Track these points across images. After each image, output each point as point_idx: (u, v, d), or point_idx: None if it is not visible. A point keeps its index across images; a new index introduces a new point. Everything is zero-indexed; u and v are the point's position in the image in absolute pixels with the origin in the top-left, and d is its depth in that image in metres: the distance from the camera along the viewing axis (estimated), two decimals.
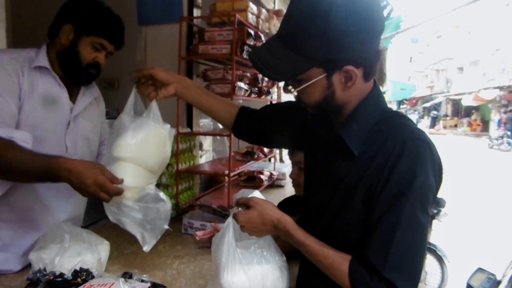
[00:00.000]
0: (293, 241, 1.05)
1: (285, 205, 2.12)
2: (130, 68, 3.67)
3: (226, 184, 2.84)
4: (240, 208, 1.13)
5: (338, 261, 0.97)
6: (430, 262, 4.31)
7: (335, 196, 1.05)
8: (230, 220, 1.12)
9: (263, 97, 2.82)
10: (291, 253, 1.26)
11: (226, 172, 2.29)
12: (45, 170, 1.26)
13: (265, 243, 1.16)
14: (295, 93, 1.03)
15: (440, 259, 4.22)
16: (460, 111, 31.06)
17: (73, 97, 1.60)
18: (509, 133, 19.60)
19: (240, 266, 1.09)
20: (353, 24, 0.90)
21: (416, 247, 0.92)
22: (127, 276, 1.20)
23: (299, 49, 0.94)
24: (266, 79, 2.87)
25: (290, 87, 1.03)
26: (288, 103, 1.44)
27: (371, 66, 1.00)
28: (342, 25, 0.89)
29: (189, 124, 2.63)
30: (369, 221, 0.96)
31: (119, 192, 1.28)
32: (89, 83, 1.64)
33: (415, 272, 0.92)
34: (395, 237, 0.90)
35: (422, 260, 0.93)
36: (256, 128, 1.45)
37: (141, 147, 1.33)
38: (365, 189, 0.98)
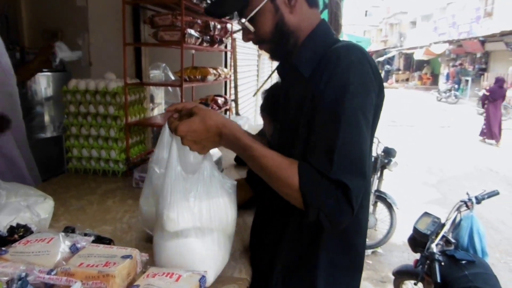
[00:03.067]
0: (240, 146, 0.98)
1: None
2: (71, 16, 3.42)
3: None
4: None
5: (287, 163, 0.94)
6: (380, 209, 4.53)
7: (288, 123, 1.07)
8: (166, 133, 1.04)
9: (215, 46, 2.70)
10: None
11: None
12: None
13: (209, 163, 1.04)
14: (251, 30, 1.07)
15: (389, 206, 4.44)
16: (412, 65, 31.93)
17: None
18: (456, 86, 20.48)
19: (185, 202, 0.99)
20: None
21: (359, 146, 0.92)
22: (69, 230, 1.13)
23: None
24: (218, 26, 2.73)
25: (244, 23, 1.07)
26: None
27: None
28: None
29: (138, 75, 2.49)
30: (312, 132, 0.97)
31: None
32: None
33: (362, 169, 0.91)
34: (337, 139, 0.89)
35: (366, 157, 0.93)
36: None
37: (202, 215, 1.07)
38: (311, 106, 0.98)
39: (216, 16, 1.13)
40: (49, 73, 3.27)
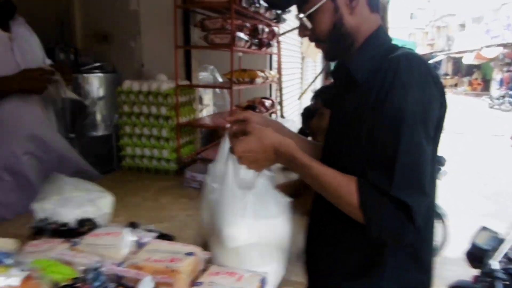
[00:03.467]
0: (297, 164, 0.97)
1: None
2: (123, 20, 3.55)
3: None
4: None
5: (346, 180, 0.93)
6: None
7: (344, 131, 1.04)
8: (226, 147, 1.02)
9: (263, 49, 2.73)
10: None
11: (227, 125, 2.23)
12: None
13: (265, 180, 1.06)
14: (308, 26, 1.05)
15: (440, 218, 4.27)
16: (461, 70, 30.71)
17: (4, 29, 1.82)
18: (510, 92, 19.38)
19: (243, 219, 1.01)
20: None
21: (419, 163, 0.89)
22: (133, 225, 1.18)
23: None
24: (266, 30, 2.75)
25: (302, 18, 1.05)
26: None
27: None
28: None
29: (188, 77, 2.55)
30: (373, 144, 0.93)
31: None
32: (10, 17, 1.84)
33: (422, 186, 0.88)
34: (397, 155, 0.87)
35: (426, 173, 0.89)
36: None
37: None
38: (371, 116, 0.95)
39: (278, 7, 1.12)
40: (101, 74, 3.40)
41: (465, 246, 2.80)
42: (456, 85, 29.94)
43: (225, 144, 1.08)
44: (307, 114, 2.21)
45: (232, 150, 0.98)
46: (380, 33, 1.06)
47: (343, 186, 0.93)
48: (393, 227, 0.88)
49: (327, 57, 1.16)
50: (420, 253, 1.03)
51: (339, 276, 1.07)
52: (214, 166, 1.11)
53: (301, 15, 1.06)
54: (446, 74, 32.23)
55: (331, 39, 1.06)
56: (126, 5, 2.87)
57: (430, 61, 31.00)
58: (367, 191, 0.90)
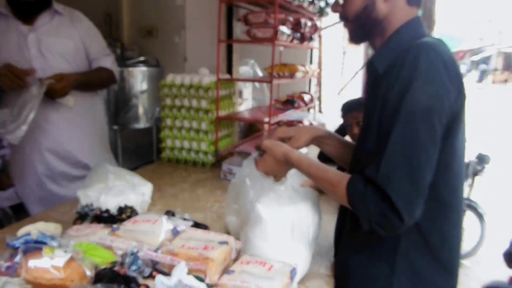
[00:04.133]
0: (301, 171, 1.08)
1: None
2: (168, 15, 3.64)
3: (265, 132, 2.82)
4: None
5: (338, 180, 0.97)
6: (470, 218, 4.21)
7: (367, 123, 1.04)
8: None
9: (305, 43, 2.71)
10: None
11: (266, 120, 2.25)
12: None
13: (291, 181, 1.17)
14: (340, 1, 1.07)
15: (480, 217, 4.11)
16: None
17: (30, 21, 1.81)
18: None
19: (272, 200, 1.11)
20: None
21: (412, 153, 0.87)
22: (170, 214, 1.22)
23: None
24: (309, 24, 2.74)
25: None
26: None
27: None
28: None
29: (229, 71, 2.58)
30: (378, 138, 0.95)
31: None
32: (33, 10, 1.81)
33: (413, 176, 0.87)
34: (388, 144, 0.88)
35: (421, 173, 0.88)
36: None
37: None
38: (380, 108, 0.95)
39: None
40: (144, 68, 3.51)
41: (504, 246, 2.68)
42: (506, 80, 28.39)
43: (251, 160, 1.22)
44: (346, 109, 2.19)
45: (256, 167, 1.14)
46: (412, 25, 1.03)
47: (335, 187, 0.97)
48: (378, 217, 0.88)
49: (351, 39, 1.14)
50: (440, 254, 1.01)
51: (354, 272, 1.07)
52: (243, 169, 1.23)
53: None
54: (496, 69, 30.65)
55: (359, 21, 1.06)
56: (173, 0, 2.94)
57: (479, 55, 29.67)
58: (354, 186, 0.92)
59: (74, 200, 1.70)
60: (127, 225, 1.07)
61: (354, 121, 1.89)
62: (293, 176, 1.16)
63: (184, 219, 1.16)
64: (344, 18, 1.10)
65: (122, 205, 1.26)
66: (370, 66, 1.08)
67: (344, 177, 0.96)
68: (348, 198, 0.93)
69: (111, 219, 1.18)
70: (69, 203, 1.65)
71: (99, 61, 2.04)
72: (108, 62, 2.06)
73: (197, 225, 1.19)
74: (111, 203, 1.36)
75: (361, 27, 1.07)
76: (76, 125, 1.95)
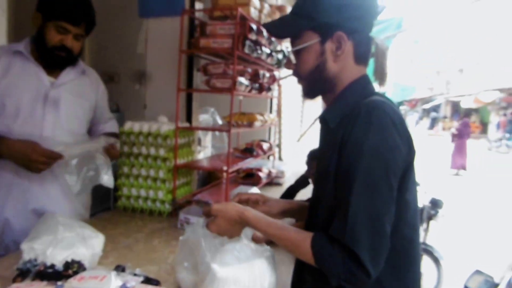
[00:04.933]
0: (259, 231, 1.10)
1: (290, 193, 2.20)
2: (130, 62, 3.67)
3: (224, 181, 2.82)
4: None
5: (301, 239, 0.99)
6: (426, 263, 4.30)
7: (321, 176, 1.09)
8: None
9: (263, 93, 2.80)
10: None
11: (225, 168, 2.27)
12: None
13: (246, 239, 1.17)
14: (293, 61, 1.15)
15: (436, 261, 4.21)
16: (459, 113, 31.04)
17: (55, 75, 1.75)
18: (507, 135, 19.62)
19: (230, 260, 1.10)
20: None
21: (375, 210, 0.91)
22: (119, 269, 1.18)
23: (301, 10, 1.10)
24: (267, 75, 2.84)
25: (290, 52, 1.18)
26: None
27: (361, 45, 1.10)
28: None
29: (188, 119, 2.60)
30: (335, 194, 0.99)
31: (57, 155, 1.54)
32: (62, 65, 1.74)
33: (377, 231, 0.90)
34: (350, 204, 0.91)
35: (384, 228, 0.92)
36: None
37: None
38: (336, 163, 1.00)
39: (272, 35, 1.22)
40: None
41: None
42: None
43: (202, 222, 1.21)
44: (311, 156, 2.27)
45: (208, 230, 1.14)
46: (361, 82, 1.11)
47: (299, 247, 0.99)
48: (346, 275, 0.90)
49: (305, 95, 1.22)
50: None
51: None
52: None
53: (289, 49, 1.17)
54: (445, 117, 32.56)
55: (311, 79, 1.13)
56: (134, 48, 2.97)
57: (430, 104, 31.46)
58: (319, 245, 0.94)
59: (18, 252, 1.61)
60: (73, 282, 1.02)
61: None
62: (247, 233, 1.17)
63: (135, 275, 1.11)
64: (297, 75, 1.17)
65: (69, 259, 1.20)
66: (322, 121, 1.14)
67: (307, 236, 0.98)
68: (315, 258, 0.95)
69: (56, 275, 1.12)
70: (13, 256, 1.55)
71: (106, 125, 2.02)
72: (115, 127, 2.10)
73: (148, 280, 1.15)
74: (59, 256, 1.29)
75: (313, 84, 1.15)
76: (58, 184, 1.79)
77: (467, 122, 14.10)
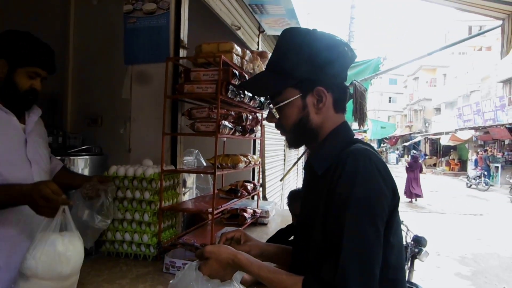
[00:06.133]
0: (251, 275, 1.11)
1: (280, 237, 2.21)
2: (114, 105, 3.71)
3: (209, 222, 2.82)
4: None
5: (292, 283, 1.01)
6: None
7: (307, 222, 1.13)
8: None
9: (247, 135, 2.87)
10: None
11: (210, 210, 2.28)
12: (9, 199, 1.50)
13: (236, 282, 1.18)
14: (276, 116, 1.19)
15: None
16: (438, 150, 31.78)
17: (21, 119, 1.75)
18: (485, 173, 20.05)
19: None
20: (327, 53, 1.12)
21: (365, 256, 0.95)
22: None
23: (281, 69, 1.16)
24: (250, 117, 2.92)
25: (272, 108, 1.19)
26: None
27: (340, 95, 1.18)
28: (320, 52, 1.12)
29: (173, 161, 2.63)
30: (324, 240, 1.02)
31: (65, 201, 1.44)
32: (29, 108, 1.78)
33: (366, 283, 0.94)
34: (341, 249, 0.94)
35: (373, 271, 0.95)
36: None
37: None
38: (324, 210, 1.04)
39: (251, 93, 1.25)
40: (87, 156, 3.47)
41: None
42: (435, 164, 30.79)
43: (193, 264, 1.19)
44: (292, 198, 2.28)
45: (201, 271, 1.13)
46: (341, 129, 1.18)
47: None
48: None
49: (290, 145, 1.28)
50: None
51: None
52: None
53: (271, 106, 1.20)
54: (425, 154, 33.28)
55: (295, 131, 1.19)
56: (119, 93, 3.03)
57: (409, 142, 32.13)
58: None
59: None
60: None
61: (299, 210, 2.01)
62: (236, 277, 1.18)
63: None
64: (281, 128, 1.23)
65: None
66: (308, 167, 1.20)
67: (298, 279, 1.01)
68: None
69: None
70: None
71: (54, 161, 2.01)
72: (58, 161, 2.07)
73: None
74: None
75: (298, 135, 1.21)
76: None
77: (417, 156, 16.33)
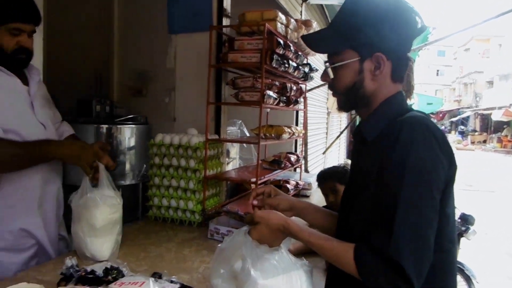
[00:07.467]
0: (301, 241, 1.10)
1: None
2: (158, 76, 3.77)
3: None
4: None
5: (343, 249, 0.99)
6: (457, 281, 4.17)
7: (357, 188, 1.11)
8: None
9: (291, 106, 2.82)
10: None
11: (253, 179, 2.29)
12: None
13: (285, 250, 1.16)
14: (330, 76, 1.15)
15: (468, 279, 4.08)
16: (489, 126, 30.22)
17: (23, 81, 1.68)
18: None
19: (269, 269, 1.09)
20: (394, 19, 1.07)
21: (419, 224, 0.92)
22: (156, 276, 1.21)
23: (344, 29, 1.11)
24: (294, 88, 2.87)
25: (328, 67, 1.15)
26: None
27: (400, 65, 1.11)
28: (386, 17, 1.06)
29: (217, 131, 2.65)
30: (375, 208, 0.99)
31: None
32: (23, 67, 1.69)
33: (420, 252, 0.91)
34: (396, 218, 0.91)
35: (428, 242, 0.92)
36: None
37: None
38: (376, 177, 1.01)
39: (310, 48, 1.21)
40: (133, 125, 3.56)
41: None
42: (485, 141, 29.32)
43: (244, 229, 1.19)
44: (321, 178, 2.21)
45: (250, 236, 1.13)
46: (396, 99, 1.12)
47: (341, 257, 0.99)
48: (389, 287, 0.90)
49: (340, 108, 1.24)
50: None
51: None
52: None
53: (327, 64, 1.16)
54: (474, 130, 31.77)
55: (348, 95, 1.15)
56: (163, 63, 3.06)
57: (457, 117, 30.77)
58: (363, 257, 0.95)
59: (56, 259, 1.67)
60: (113, 287, 1.06)
61: (329, 190, 2.05)
62: (285, 244, 1.17)
63: (172, 281, 1.15)
64: (333, 89, 1.19)
65: (108, 265, 1.25)
66: (357, 134, 1.16)
67: (349, 247, 0.99)
68: (358, 269, 0.95)
69: (97, 280, 1.16)
70: (52, 262, 1.62)
71: (63, 127, 1.96)
72: (70, 127, 2.00)
73: (183, 287, 1.18)
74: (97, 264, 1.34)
75: (349, 99, 1.16)
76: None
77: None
